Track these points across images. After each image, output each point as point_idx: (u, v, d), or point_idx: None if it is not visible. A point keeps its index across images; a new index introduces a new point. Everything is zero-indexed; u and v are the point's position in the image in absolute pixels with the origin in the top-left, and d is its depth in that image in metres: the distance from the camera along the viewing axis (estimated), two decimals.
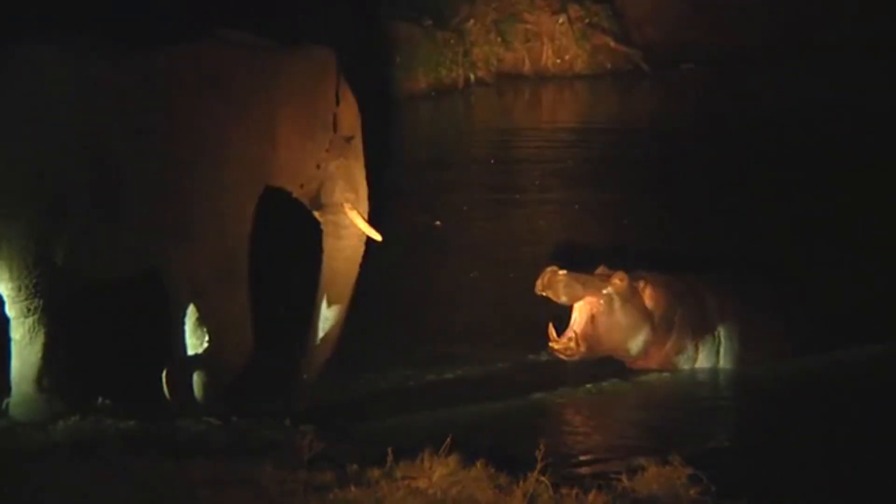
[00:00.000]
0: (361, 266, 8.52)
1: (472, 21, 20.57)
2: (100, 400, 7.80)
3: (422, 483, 6.29)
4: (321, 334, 8.48)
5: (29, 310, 7.50)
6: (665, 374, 8.89)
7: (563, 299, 8.67)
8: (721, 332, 9.00)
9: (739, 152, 14.83)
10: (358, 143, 8.40)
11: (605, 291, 8.73)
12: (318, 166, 8.21)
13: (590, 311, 8.73)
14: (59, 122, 7.44)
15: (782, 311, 9.25)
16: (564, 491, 6.26)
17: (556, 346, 8.76)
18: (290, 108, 8.01)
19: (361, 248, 8.47)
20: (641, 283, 8.81)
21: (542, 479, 6.21)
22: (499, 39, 20.66)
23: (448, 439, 6.60)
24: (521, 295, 10.36)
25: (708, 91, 19.26)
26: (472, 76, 20.20)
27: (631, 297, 8.75)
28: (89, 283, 7.73)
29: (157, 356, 8.00)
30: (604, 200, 13.18)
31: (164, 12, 14.10)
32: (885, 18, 20.57)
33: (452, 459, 6.47)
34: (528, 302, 10.12)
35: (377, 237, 8.41)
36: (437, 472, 6.38)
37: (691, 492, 6.35)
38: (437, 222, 12.23)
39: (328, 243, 8.46)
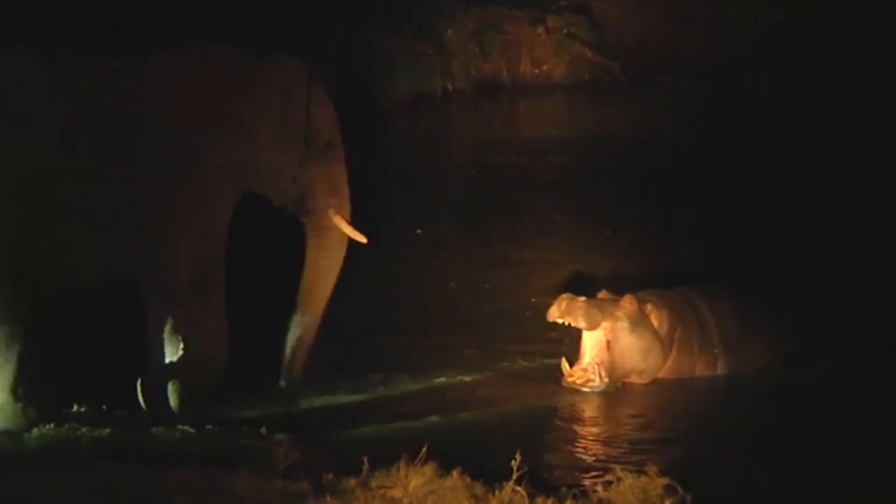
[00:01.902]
0: (340, 275, 8.59)
1: (450, 31, 20.59)
2: (75, 408, 7.79)
3: (397, 492, 6.29)
4: (298, 335, 8.56)
5: (5, 319, 7.48)
6: (643, 386, 8.89)
7: (583, 325, 8.66)
8: (719, 345, 9.07)
9: (717, 161, 14.88)
10: (338, 147, 8.48)
11: (617, 315, 8.74)
12: (295, 177, 8.26)
13: (603, 338, 8.73)
14: (37, 131, 7.44)
15: (775, 320, 9.32)
16: (540, 500, 6.27)
17: (576, 379, 8.75)
18: (264, 118, 8.08)
19: (343, 250, 8.57)
20: (649, 306, 8.85)
21: (518, 488, 6.22)
22: (477, 50, 20.68)
23: (424, 448, 6.60)
24: (498, 305, 10.40)
25: (685, 101, 19.30)
26: (449, 86, 20.21)
27: (641, 320, 8.79)
28: (66, 291, 7.72)
29: (133, 364, 7.99)
30: (583, 210, 13.20)
31: (144, 21, 14.11)
32: (866, 26, 20.68)
33: (428, 468, 6.47)
34: (505, 312, 10.16)
35: (362, 239, 8.49)
36: (413, 481, 6.37)
37: (667, 502, 6.36)
38: (419, 231, 12.25)
39: (311, 244, 8.55)
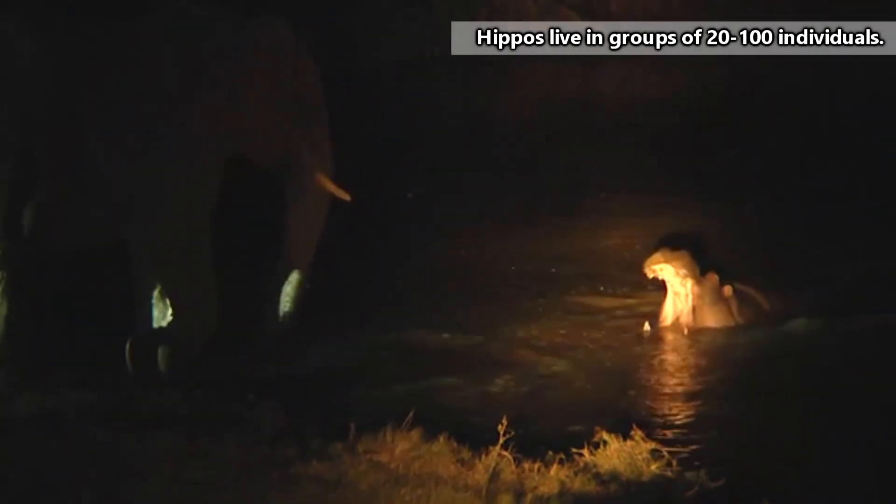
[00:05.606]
0: (329, 238, 8.63)
1: None
2: (62, 372, 7.77)
3: (384, 457, 6.29)
4: (290, 291, 8.61)
5: None
6: (631, 353, 8.91)
7: (684, 273, 9.23)
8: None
9: (707, 125, 14.89)
10: (321, 109, 8.57)
11: (705, 285, 9.33)
12: (285, 136, 8.29)
13: (690, 303, 9.32)
14: (22, 93, 7.41)
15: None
16: (527, 465, 6.27)
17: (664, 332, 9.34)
18: (251, 79, 8.08)
19: (325, 208, 8.65)
20: (727, 288, 9.38)
21: (505, 453, 6.22)
22: (465, 14, 20.59)
23: (411, 414, 6.60)
24: (484, 270, 10.40)
25: (673, 64, 19.27)
26: (436, 49, 20.14)
27: (721, 298, 9.39)
28: (53, 252, 7.71)
29: (121, 328, 7.98)
30: (572, 172, 13.22)
31: None
32: None
33: (415, 434, 6.47)
34: (490, 277, 10.16)
35: (346, 197, 8.59)
36: (400, 446, 6.38)
37: (653, 466, 6.37)
38: (409, 194, 12.25)
39: (294, 202, 8.60)
